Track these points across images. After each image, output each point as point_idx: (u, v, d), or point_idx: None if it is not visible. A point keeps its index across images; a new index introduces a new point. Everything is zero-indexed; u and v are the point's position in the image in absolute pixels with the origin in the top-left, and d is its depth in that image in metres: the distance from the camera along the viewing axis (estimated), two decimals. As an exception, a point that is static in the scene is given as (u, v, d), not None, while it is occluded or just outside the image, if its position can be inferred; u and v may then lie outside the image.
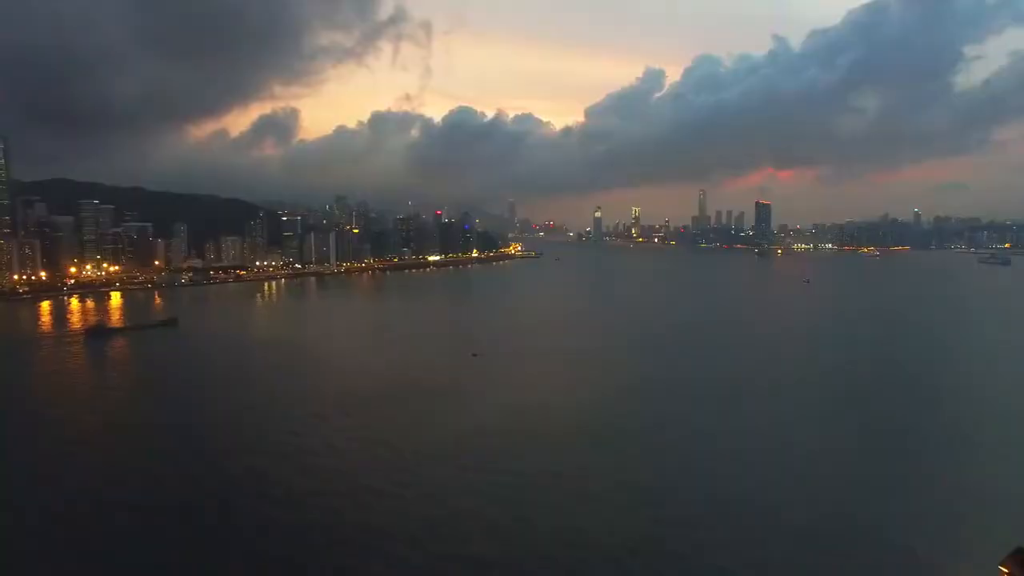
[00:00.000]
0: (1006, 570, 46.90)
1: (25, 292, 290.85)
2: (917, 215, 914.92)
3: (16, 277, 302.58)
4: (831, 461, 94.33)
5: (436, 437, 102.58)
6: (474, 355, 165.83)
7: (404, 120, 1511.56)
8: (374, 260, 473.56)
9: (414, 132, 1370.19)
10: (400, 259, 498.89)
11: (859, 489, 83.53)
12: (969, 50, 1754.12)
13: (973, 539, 57.90)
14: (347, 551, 67.53)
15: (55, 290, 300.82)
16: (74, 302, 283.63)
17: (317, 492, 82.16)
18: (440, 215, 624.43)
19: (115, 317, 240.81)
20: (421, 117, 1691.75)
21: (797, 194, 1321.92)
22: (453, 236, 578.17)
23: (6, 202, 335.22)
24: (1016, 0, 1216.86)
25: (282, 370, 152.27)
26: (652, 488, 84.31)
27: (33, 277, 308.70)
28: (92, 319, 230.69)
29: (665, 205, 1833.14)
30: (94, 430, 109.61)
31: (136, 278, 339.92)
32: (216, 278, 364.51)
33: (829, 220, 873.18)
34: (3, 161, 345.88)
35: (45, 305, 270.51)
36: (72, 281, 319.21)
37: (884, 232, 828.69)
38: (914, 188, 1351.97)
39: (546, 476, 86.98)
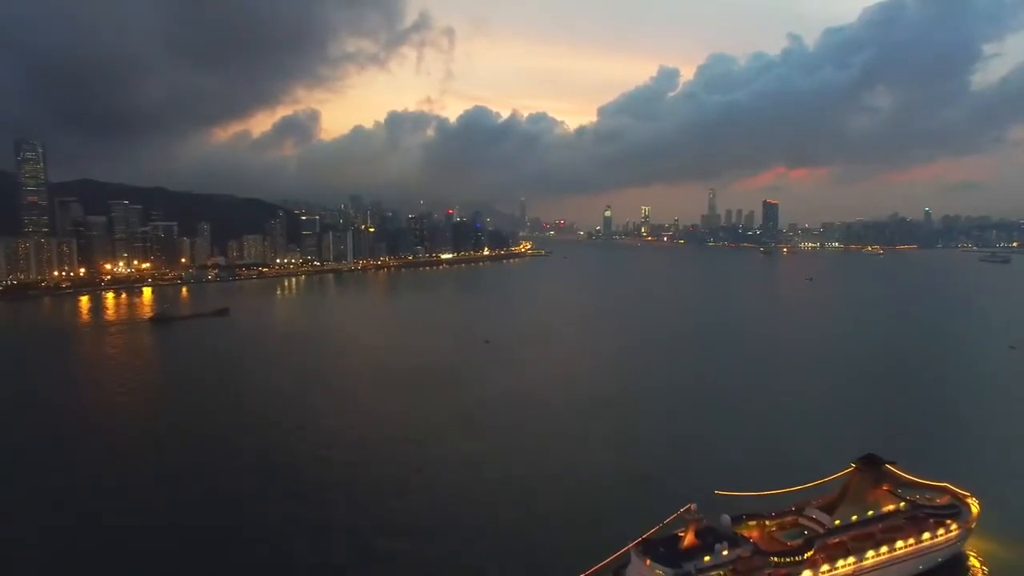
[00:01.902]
0: (854, 466, 64.20)
1: (67, 287, 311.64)
2: (927, 214, 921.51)
3: (56, 273, 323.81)
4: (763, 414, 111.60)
5: (452, 405, 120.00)
6: (486, 342, 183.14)
7: (419, 120, 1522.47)
8: (389, 258, 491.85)
9: (429, 132, 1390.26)
10: (414, 257, 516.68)
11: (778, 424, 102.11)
12: (988, 48, 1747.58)
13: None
14: (380, 492, 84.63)
15: (93, 285, 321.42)
16: (110, 296, 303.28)
17: (355, 445, 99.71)
18: (451, 214, 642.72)
19: (169, 307, 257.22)
20: (437, 117, 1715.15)
21: (809, 193, 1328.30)
22: (465, 234, 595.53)
23: (44, 203, 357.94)
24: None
25: (318, 352, 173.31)
26: (628, 441, 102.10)
27: (71, 273, 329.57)
28: (150, 309, 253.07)
29: (676, 204, 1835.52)
30: (176, 392, 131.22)
31: (166, 275, 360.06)
32: (240, 275, 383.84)
33: (841, 219, 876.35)
34: (42, 165, 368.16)
35: (84, 300, 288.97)
36: (108, 277, 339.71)
37: (892, 231, 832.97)
38: (927, 187, 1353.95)
39: (542, 431, 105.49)
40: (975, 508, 65.01)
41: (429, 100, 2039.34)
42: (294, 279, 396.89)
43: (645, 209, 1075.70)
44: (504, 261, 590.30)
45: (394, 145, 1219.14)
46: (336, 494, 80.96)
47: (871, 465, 64.49)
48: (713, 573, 52.35)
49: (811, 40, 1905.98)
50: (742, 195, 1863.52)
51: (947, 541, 61.95)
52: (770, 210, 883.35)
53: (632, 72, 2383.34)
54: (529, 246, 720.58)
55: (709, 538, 54.25)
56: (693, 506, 55.08)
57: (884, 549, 58.41)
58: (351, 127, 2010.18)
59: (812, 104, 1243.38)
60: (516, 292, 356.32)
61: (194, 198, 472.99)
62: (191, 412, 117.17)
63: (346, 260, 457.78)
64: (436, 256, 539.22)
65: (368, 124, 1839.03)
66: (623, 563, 54.55)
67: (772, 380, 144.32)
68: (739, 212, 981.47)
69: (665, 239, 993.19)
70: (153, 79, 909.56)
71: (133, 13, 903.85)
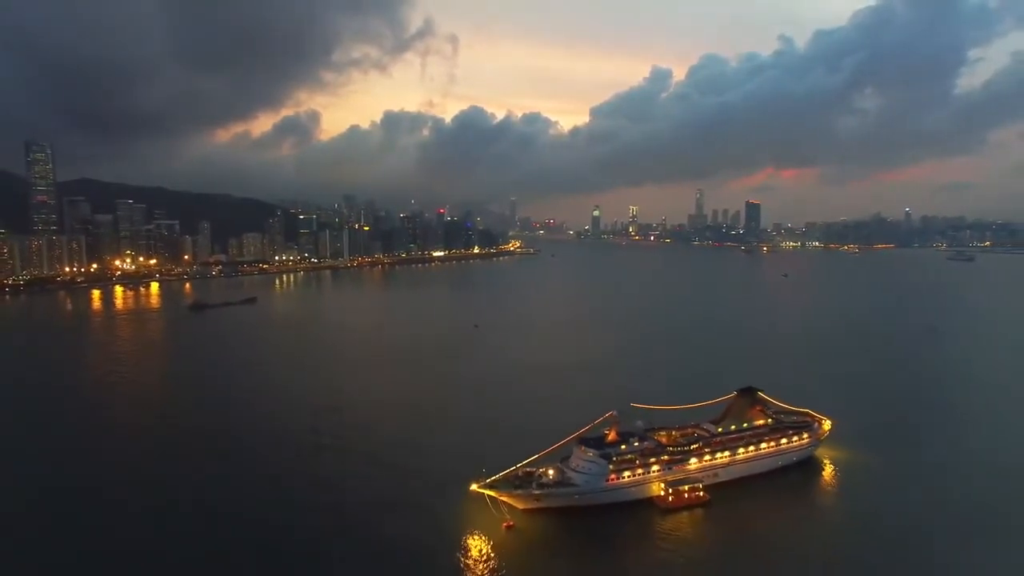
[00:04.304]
0: (736, 392, 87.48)
1: (81, 282, 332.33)
2: (907, 214, 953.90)
3: (68, 269, 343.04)
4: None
5: (446, 378, 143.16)
6: (475, 327, 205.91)
7: (416, 120, 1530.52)
8: (383, 255, 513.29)
9: (425, 132, 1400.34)
10: (407, 254, 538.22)
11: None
12: (973, 53, 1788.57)
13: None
14: (387, 452, 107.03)
15: (105, 280, 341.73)
16: (119, 290, 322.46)
17: (364, 410, 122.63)
18: (443, 213, 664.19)
19: (198, 298, 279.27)
20: (432, 117, 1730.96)
21: (799, 194, 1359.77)
22: (456, 233, 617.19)
23: (53, 202, 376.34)
24: (1020, 3, 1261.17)
25: (333, 334, 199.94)
26: (596, 392, 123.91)
27: (82, 269, 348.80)
28: (192, 298, 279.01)
29: (666, 204, 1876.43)
30: (229, 364, 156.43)
31: (172, 271, 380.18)
32: (242, 271, 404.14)
33: (828, 219, 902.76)
34: (51, 165, 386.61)
35: (97, 293, 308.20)
36: (119, 273, 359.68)
37: (871, 231, 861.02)
38: (916, 188, 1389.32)
39: (523, 392, 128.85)
40: (827, 426, 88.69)
41: (431, 103, 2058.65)
42: (293, 275, 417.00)
43: (633, 209, 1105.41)
44: (494, 259, 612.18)
45: (390, 145, 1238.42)
46: (344, 435, 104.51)
47: (748, 392, 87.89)
48: (627, 456, 75.65)
49: (802, 41, 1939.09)
50: (733, 195, 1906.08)
51: (800, 446, 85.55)
52: (752, 210, 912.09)
53: (625, 72, 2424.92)
54: (518, 245, 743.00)
55: (626, 436, 77.69)
56: (615, 413, 78.32)
57: (751, 448, 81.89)
58: (348, 127, 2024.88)
59: (803, 106, 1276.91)
60: (503, 286, 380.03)
61: (194, 197, 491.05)
62: (251, 374, 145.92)
63: (342, 257, 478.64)
64: (428, 254, 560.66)
65: (363, 124, 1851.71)
66: (567, 453, 77.39)
67: (713, 346, 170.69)
68: (724, 212, 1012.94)
69: (652, 238, 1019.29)
70: (157, 81, 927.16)
71: (139, 15, 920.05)
